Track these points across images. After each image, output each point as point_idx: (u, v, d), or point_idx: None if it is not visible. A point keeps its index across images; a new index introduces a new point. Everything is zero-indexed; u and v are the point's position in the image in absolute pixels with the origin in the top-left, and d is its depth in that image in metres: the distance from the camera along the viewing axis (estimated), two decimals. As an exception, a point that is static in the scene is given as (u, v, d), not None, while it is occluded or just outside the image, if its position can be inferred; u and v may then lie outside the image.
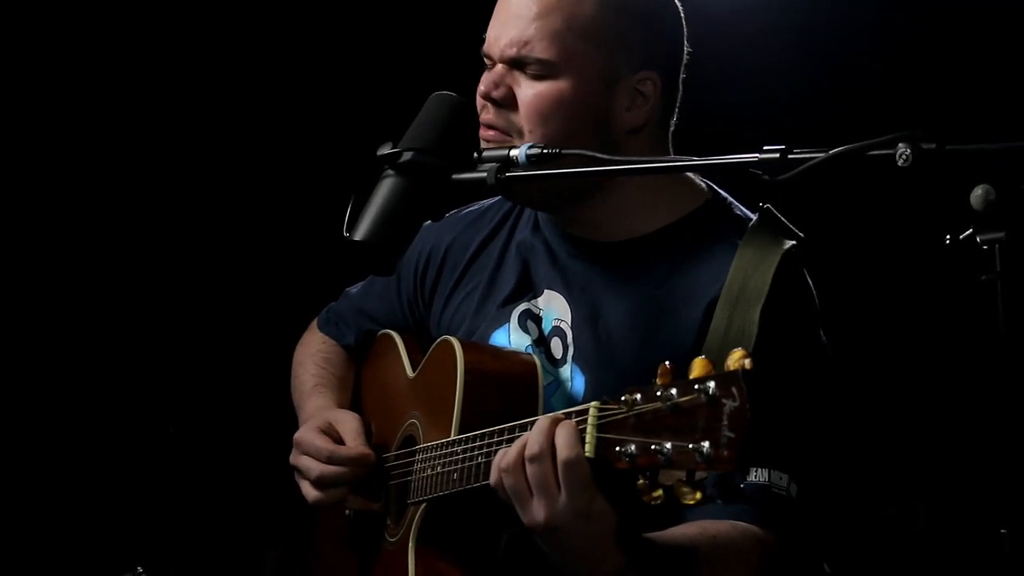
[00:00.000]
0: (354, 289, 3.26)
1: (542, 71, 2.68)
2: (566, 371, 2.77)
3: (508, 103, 2.71)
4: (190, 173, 4.78)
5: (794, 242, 2.64)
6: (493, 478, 2.43)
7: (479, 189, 2.55)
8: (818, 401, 2.67)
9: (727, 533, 2.53)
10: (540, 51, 2.68)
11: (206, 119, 4.77)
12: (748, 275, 2.58)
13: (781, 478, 2.58)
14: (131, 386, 4.69)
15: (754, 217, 2.70)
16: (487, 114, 2.73)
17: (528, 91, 2.69)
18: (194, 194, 4.79)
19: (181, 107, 4.74)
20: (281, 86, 4.81)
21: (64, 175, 4.68)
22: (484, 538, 2.67)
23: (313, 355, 3.24)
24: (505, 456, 2.40)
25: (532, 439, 2.36)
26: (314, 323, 3.34)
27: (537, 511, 2.36)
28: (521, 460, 2.36)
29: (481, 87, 2.73)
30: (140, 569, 2.71)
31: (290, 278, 4.68)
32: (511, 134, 2.71)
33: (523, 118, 2.70)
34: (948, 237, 2.18)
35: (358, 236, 2.51)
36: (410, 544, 2.69)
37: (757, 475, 2.56)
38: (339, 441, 2.91)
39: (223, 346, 4.78)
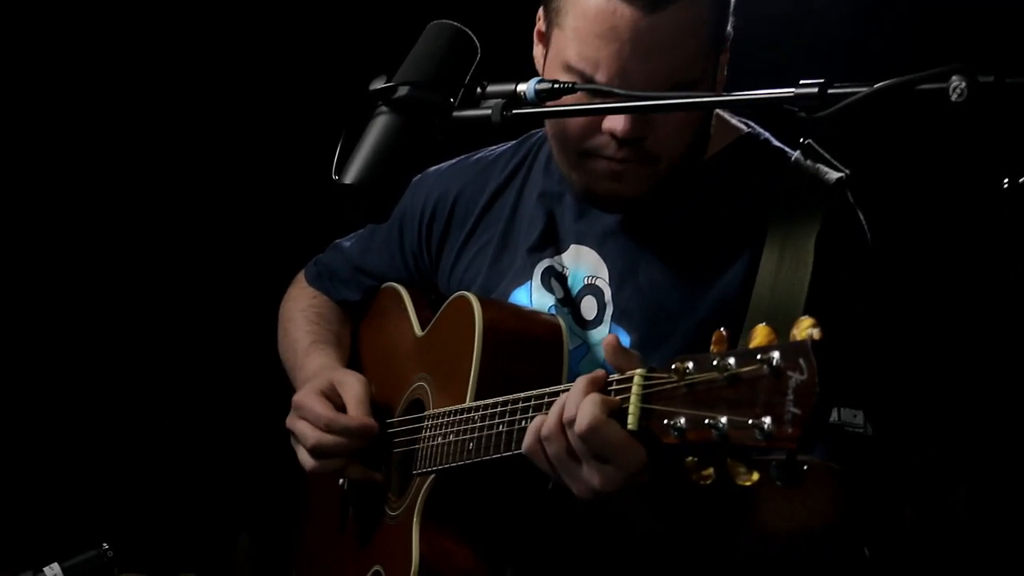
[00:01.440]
0: (346, 242, 3.10)
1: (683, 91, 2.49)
2: (602, 332, 2.63)
3: (644, 134, 2.53)
4: (171, 138, 4.58)
5: (841, 175, 2.54)
6: (528, 445, 2.30)
7: (483, 127, 2.38)
8: (884, 333, 2.57)
9: None
10: (687, 75, 2.48)
11: (183, 54, 4.56)
12: (797, 207, 2.48)
13: (855, 416, 2.47)
14: (116, 371, 4.56)
15: (794, 152, 2.60)
16: (622, 152, 2.52)
17: (671, 117, 2.51)
18: (179, 167, 4.59)
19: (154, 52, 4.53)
20: (264, 14, 4.60)
21: (48, 167, 4.50)
22: (497, 515, 2.56)
23: (304, 310, 3.09)
24: (544, 423, 2.26)
25: (570, 402, 2.24)
26: (300, 277, 3.18)
27: (590, 479, 2.24)
28: (561, 427, 2.24)
29: (622, 130, 2.49)
30: (106, 546, 2.59)
31: (270, 236, 4.52)
32: (646, 163, 2.54)
33: (665, 142, 2.53)
34: (1006, 180, 2.08)
35: (349, 179, 2.35)
36: (415, 519, 2.56)
37: None
38: (341, 407, 2.77)
39: (202, 329, 4.62)
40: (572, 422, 2.23)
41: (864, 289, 2.57)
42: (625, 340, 2.58)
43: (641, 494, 2.28)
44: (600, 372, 2.26)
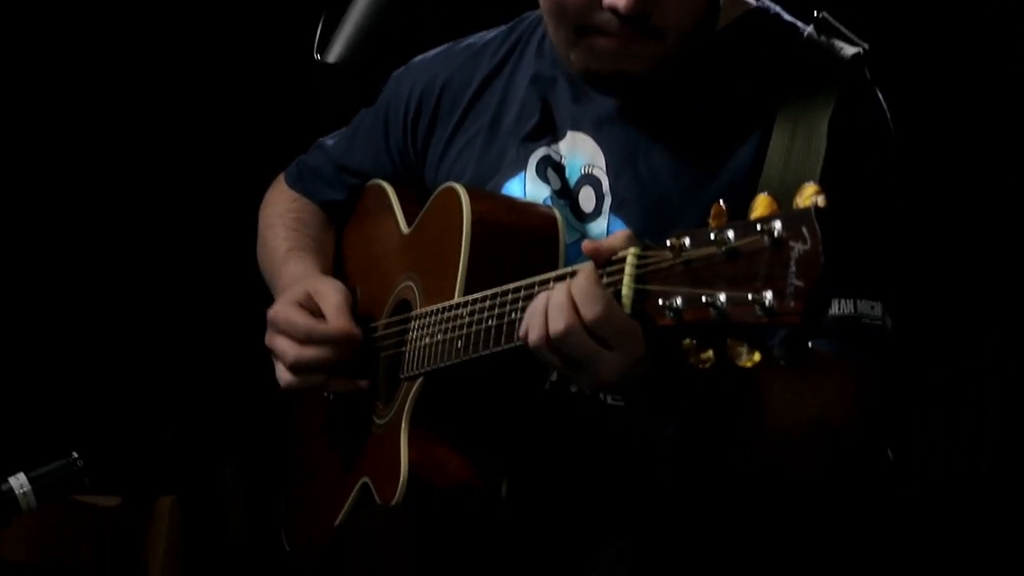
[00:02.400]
0: (329, 140, 3.00)
1: None
2: (600, 225, 2.54)
3: (648, 10, 2.41)
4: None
5: (859, 50, 2.44)
6: (535, 338, 2.18)
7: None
8: (905, 220, 2.48)
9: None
10: None
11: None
12: (809, 86, 2.38)
13: (872, 307, 2.36)
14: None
15: (807, 27, 2.50)
16: (625, 29, 2.40)
17: None
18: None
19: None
20: None
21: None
22: (491, 420, 2.48)
23: (282, 215, 2.99)
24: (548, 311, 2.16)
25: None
26: (280, 179, 3.08)
27: (595, 369, 2.15)
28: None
29: (624, 6, 2.36)
30: (75, 455, 2.53)
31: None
32: (651, 38, 2.43)
33: (673, 15, 2.40)
34: None
35: (332, 58, 2.31)
36: (403, 425, 2.47)
37: (841, 307, 2.34)
38: (319, 316, 2.67)
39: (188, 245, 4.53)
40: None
41: (882, 173, 2.47)
42: (621, 230, 2.49)
43: (642, 386, 2.20)
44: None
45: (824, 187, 1.93)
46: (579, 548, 2.46)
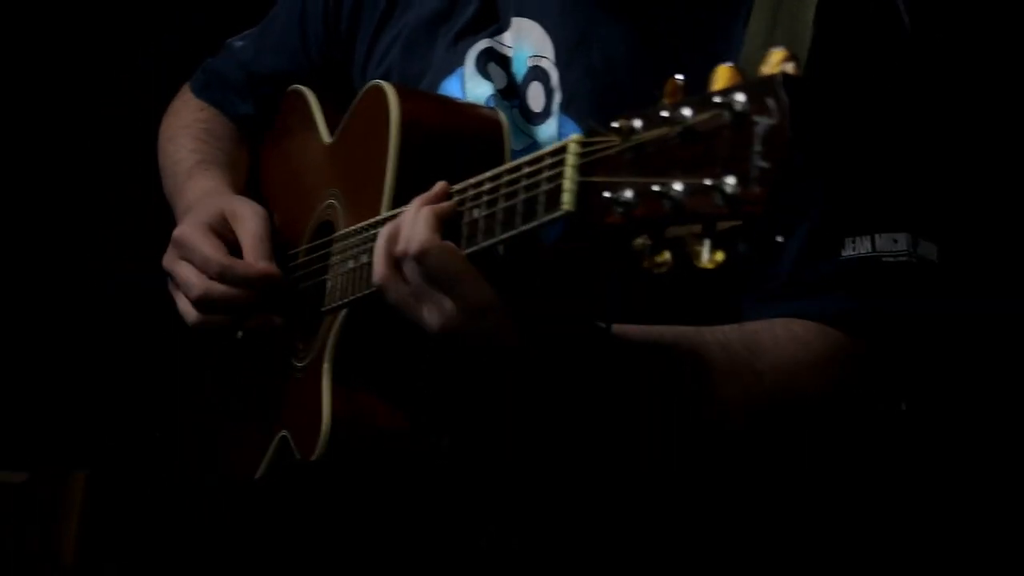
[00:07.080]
0: (239, 42, 2.92)
1: None
2: (551, 127, 2.46)
3: None
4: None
5: None
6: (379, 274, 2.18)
7: None
8: (922, 131, 2.36)
9: (779, 326, 2.24)
10: None
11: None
12: None
13: (895, 240, 2.27)
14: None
15: None
16: None
17: None
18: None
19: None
20: None
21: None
22: (427, 358, 2.38)
23: (188, 126, 2.90)
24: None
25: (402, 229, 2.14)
26: (185, 89, 3.00)
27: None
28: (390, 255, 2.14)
29: None
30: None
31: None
32: None
33: None
34: None
35: None
36: (324, 368, 2.37)
37: (856, 246, 2.27)
38: (235, 246, 2.57)
39: None
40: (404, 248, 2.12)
41: (889, 72, 2.35)
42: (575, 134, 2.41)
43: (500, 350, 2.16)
44: (441, 185, 2.16)
45: (797, 55, 1.86)
46: (532, 512, 2.41)
